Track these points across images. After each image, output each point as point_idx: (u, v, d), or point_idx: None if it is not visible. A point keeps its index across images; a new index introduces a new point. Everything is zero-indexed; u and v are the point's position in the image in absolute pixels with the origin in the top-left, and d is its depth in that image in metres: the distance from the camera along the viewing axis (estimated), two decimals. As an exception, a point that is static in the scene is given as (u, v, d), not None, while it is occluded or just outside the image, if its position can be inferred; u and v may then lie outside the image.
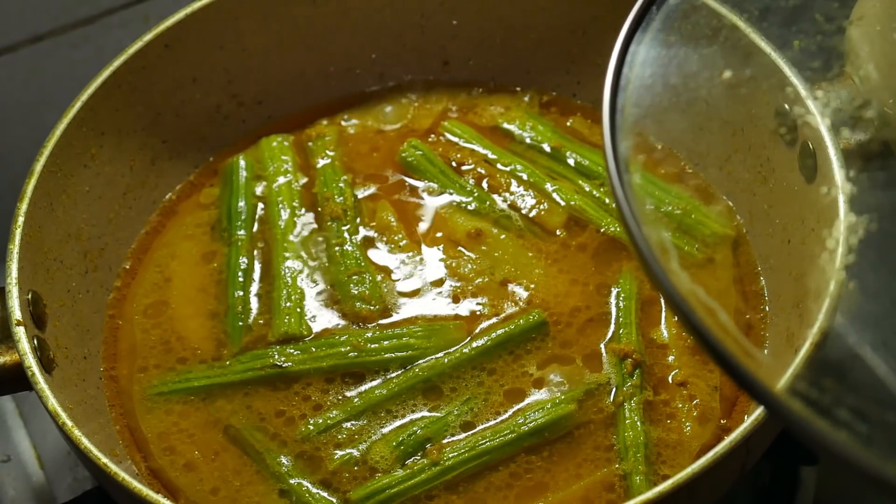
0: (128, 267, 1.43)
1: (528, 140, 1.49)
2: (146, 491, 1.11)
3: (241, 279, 1.39)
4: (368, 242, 1.41)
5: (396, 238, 1.41)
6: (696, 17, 1.12)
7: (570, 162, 1.46)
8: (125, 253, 1.44)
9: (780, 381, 1.01)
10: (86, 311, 1.36)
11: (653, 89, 0.98)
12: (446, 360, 1.30)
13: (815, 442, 0.79)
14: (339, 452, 1.25)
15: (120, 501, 1.19)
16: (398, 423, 1.27)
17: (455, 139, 1.50)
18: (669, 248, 0.87)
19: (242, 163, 1.49)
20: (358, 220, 1.43)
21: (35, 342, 1.22)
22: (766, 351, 1.30)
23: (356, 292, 1.36)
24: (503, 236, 1.40)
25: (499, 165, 1.47)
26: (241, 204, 1.45)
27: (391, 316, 1.35)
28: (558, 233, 1.40)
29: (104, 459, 1.14)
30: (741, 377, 0.82)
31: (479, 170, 1.46)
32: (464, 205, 1.44)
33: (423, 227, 1.43)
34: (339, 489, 1.23)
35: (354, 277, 1.37)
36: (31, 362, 1.20)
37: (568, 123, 1.52)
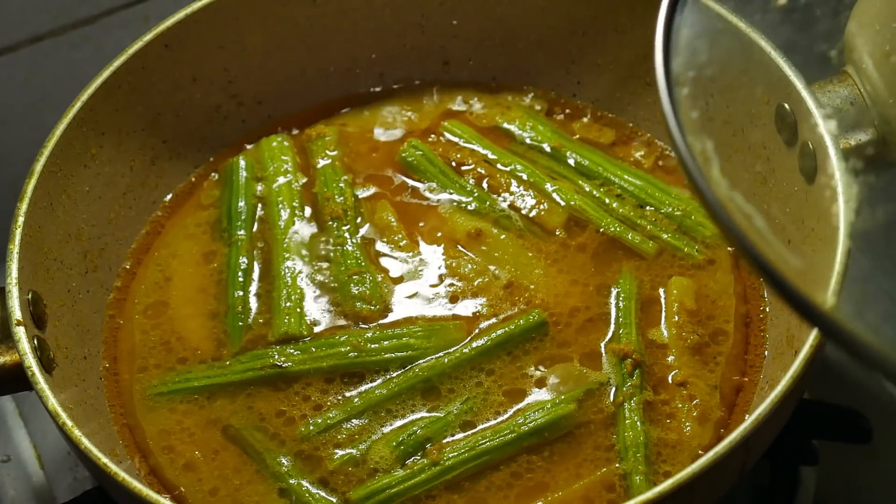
0: (128, 267, 1.43)
1: (528, 140, 1.49)
2: (146, 491, 1.11)
3: (241, 279, 1.39)
4: (368, 242, 1.41)
5: (396, 238, 1.41)
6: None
7: (570, 162, 1.46)
8: (125, 253, 1.44)
9: (813, 285, 1.03)
10: (86, 311, 1.36)
11: (709, 12, 0.99)
12: (446, 361, 1.30)
13: (846, 344, 0.81)
14: (339, 452, 1.25)
15: (120, 501, 1.19)
16: (398, 423, 1.27)
17: (455, 139, 1.50)
18: (712, 157, 0.88)
19: (242, 163, 1.49)
20: (358, 220, 1.43)
21: (35, 342, 1.22)
22: (766, 352, 1.31)
23: (356, 292, 1.36)
24: (503, 236, 1.40)
25: (499, 165, 1.47)
26: (241, 204, 1.45)
27: (391, 316, 1.35)
28: (558, 233, 1.40)
29: (104, 459, 1.14)
30: (777, 281, 0.83)
31: (479, 170, 1.46)
32: (464, 205, 1.44)
33: (423, 227, 1.43)
34: (338, 489, 1.23)
35: (354, 277, 1.37)
36: (31, 362, 1.20)
37: (574, 127, 1.52)
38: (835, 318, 0.82)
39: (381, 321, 1.35)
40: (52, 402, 1.18)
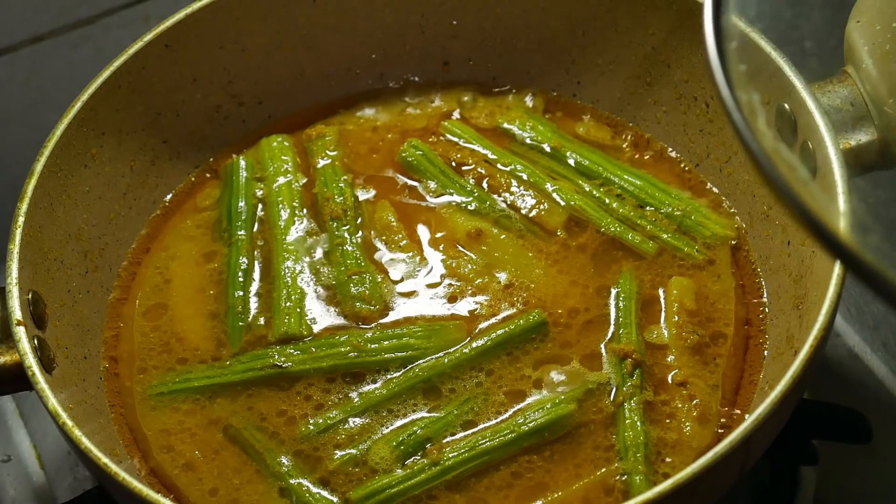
0: (128, 266, 1.43)
1: (528, 140, 1.49)
2: (146, 491, 1.11)
3: (241, 279, 1.39)
4: (368, 242, 1.41)
5: (396, 238, 1.41)
6: None
7: (570, 162, 1.46)
8: (125, 253, 1.44)
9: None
10: (86, 311, 1.36)
11: None
12: (446, 361, 1.30)
13: (891, 296, 0.81)
14: (339, 452, 1.25)
15: (120, 501, 1.19)
16: (398, 422, 1.27)
17: (455, 139, 1.50)
18: (758, 108, 0.89)
19: (242, 163, 1.49)
20: (358, 220, 1.43)
21: (35, 342, 1.22)
22: (766, 352, 1.31)
23: (356, 292, 1.36)
24: (503, 236, 1.40)
25: (499, 165, 1.47)
26: (241, 204, 1.45)
27: (391, 316, 1.35)
28: (558, 233, 1.40)
29: (104, 459, 1.14)
30: (822, 233, 0.84)
31: (479, 170, 1.46)
32: (464, 205, 1.44)
33: (423, 227, 1.43)
34: (338, 489, 1.23)
35: (354, 277, 1.37)
36: (32, 362, 1.20)
37: (574, 127, 1.52)
38: (880, 270, 0.82)
39: (380, 321, 1.35)
40: (53, 402, 1.18)
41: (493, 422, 1.26)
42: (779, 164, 0.85)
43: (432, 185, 1.46)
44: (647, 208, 1.41)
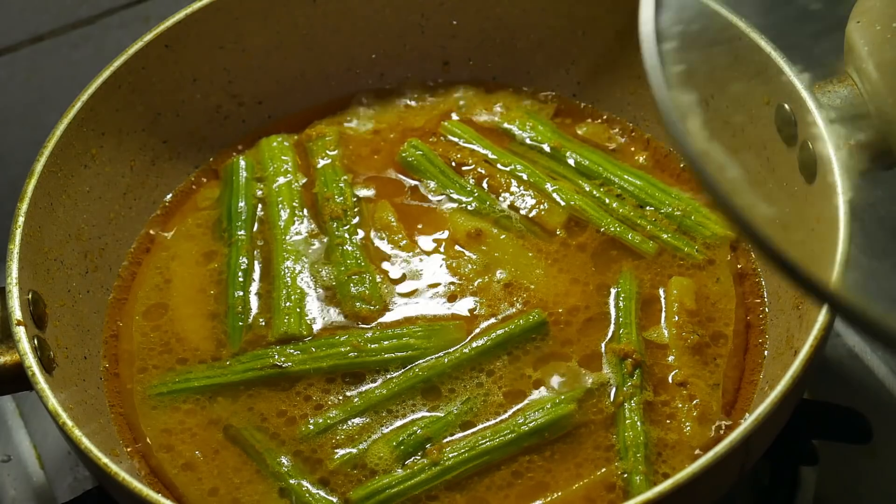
0: (128, 267, 1.43)
1: (528, 140, 1.49)
2: (146, 491, 1.11)
3: (241, 279, 1.39)
4: (368, 242, 1.41)
5: (396, 238, 1.41)
6: None
7: (570, 162, 1.46)
8: (125, 253, 1.44)
9: (787, 235, 1.05)
10: (86, 311, 1.36)
11: None
12: (446, 361, 1.30)
13: (819, 292, 0.83)
14: (339, 452, 1.25)
15: (120, 501, 1.19)
16: (398, 422, 1.27)
17: (455, 139, 1.50)
18: (692, 110, 0.91)
19: (242, 163, 1.49)
20: (358, 220, 1.43)
21: (35, 342, 1.22)
22: (766, 352, 1.31)
23: (356, 292, 1.36)
24: (503, 236, 1.40)
25: (499, 165, 1.47)
26: (241, 204, 1.45)
27: (391, 316, 1.35)
28: (558, 233, 1.40)
29: (104, 459, 1.14)
30: (747, 230, 0.85)
31: (479, 170, 1.47)
32: (464, 205, 1.44)
33: (423, 227, 1.43)
34: (338, 489, 1.23)
35: (354, 277, 1.37)
36: (32, 362, 1.20)
37: (574, 127, 1.52)
38: (801, 266, 0.83)
39: (380, 321, 1.35)
40: (53, 402, 1.18)
41: (493, 421, 1.26)
42: (707, 165, 0.86)
43: (432, 185, 1.46)
44: (647, 208, 1.41)
